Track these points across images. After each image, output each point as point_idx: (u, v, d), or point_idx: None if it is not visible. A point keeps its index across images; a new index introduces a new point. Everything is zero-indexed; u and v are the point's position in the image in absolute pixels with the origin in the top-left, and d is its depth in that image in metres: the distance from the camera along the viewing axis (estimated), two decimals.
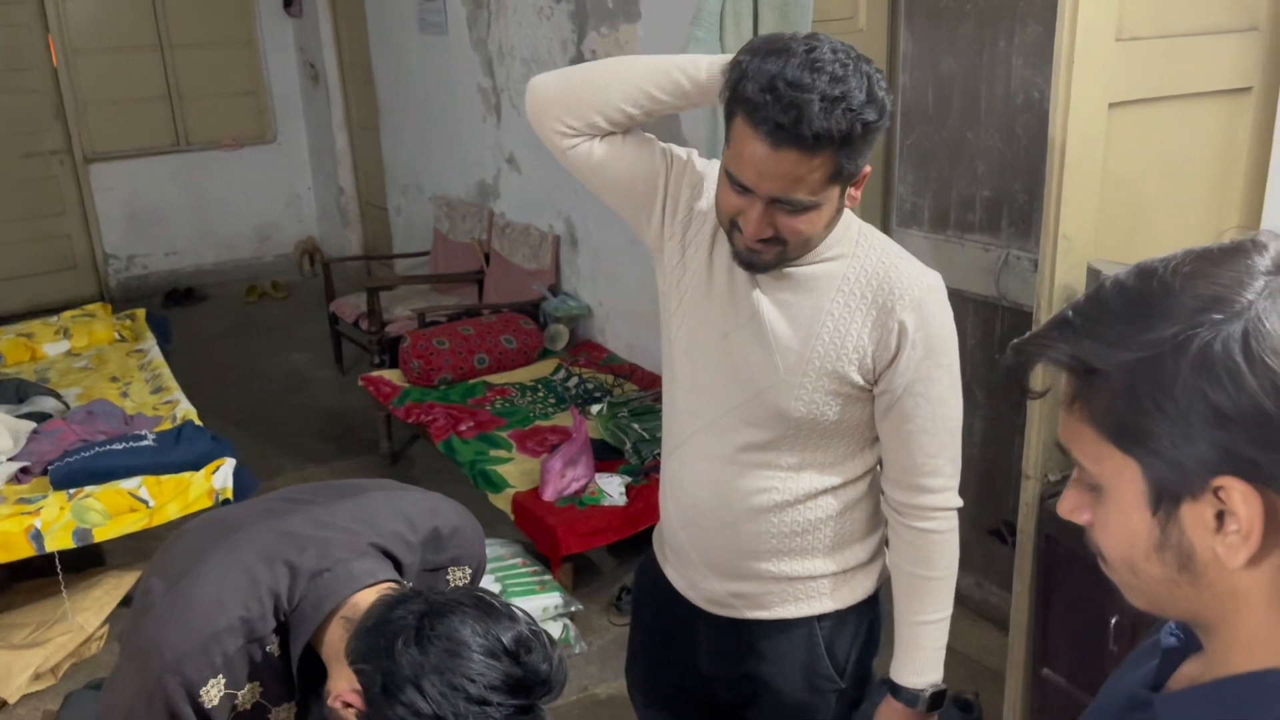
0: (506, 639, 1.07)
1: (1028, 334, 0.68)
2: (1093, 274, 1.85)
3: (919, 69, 2.92)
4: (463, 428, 3.58)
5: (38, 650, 2.84)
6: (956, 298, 2.88)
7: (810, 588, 1.50)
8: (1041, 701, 2.09)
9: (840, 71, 1.19)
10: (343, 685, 1.11)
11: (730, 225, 1.33)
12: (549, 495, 3.11)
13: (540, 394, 3.91)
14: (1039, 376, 0.69)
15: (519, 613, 1.12)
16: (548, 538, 3.04)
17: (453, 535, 1.38)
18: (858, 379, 1.38)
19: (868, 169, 1.30)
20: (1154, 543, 0.65)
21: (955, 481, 1.44)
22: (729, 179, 1.28)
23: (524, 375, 4.08)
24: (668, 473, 1.57)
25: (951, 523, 1.45)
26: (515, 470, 3.31)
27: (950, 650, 2.74)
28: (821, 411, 1.39)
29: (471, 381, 4.00)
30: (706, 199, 1.45)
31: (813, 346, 1.37)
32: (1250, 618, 0.65)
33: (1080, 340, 0.64)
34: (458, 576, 1.40)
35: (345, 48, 6.29)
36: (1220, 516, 0.62)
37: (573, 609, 2.95)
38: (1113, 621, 1.82)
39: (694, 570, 1.55)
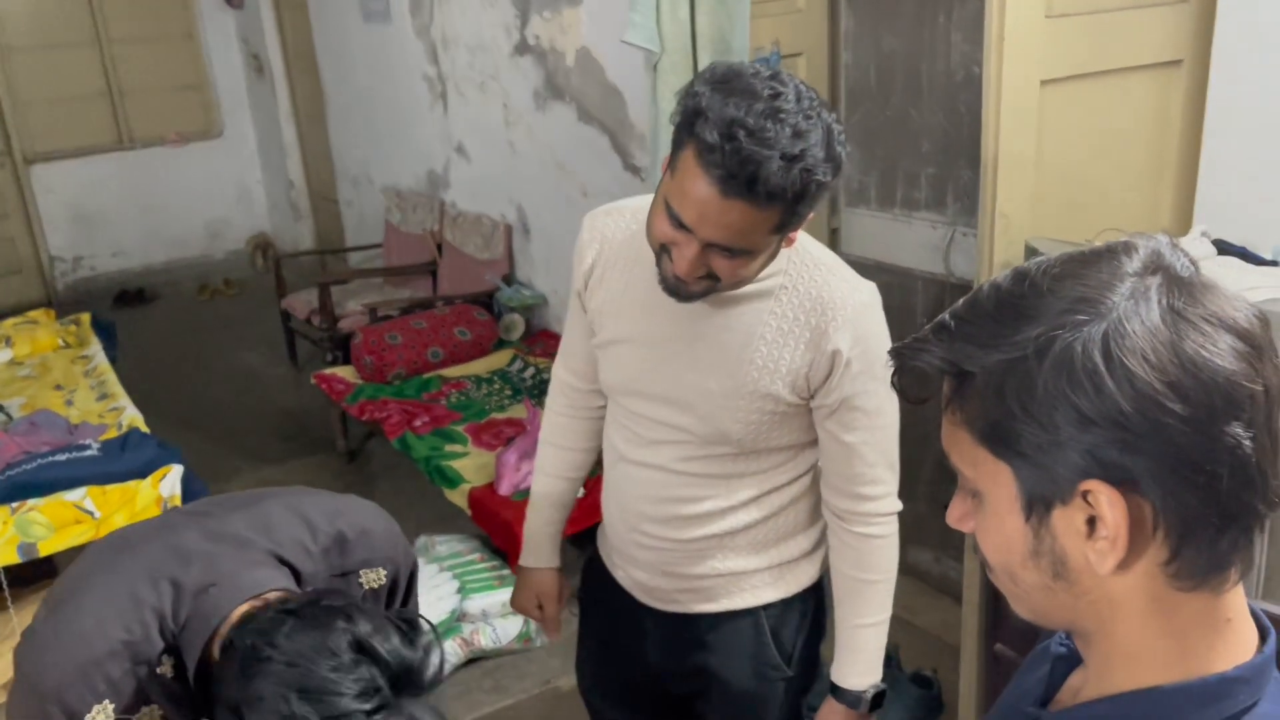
0: (344, 642, 1.01)
1: (907, 338, 0.66)
2: (1030, 251, 1.85)
3: (860, 46, 2.91)
4: (417, 423, 3.54)
5: None
6: (905, 275, 2.91)
7: (755, 579, 1.52)
8: (995, 677, 2.11)
9: (803, 125, 1.15)
10: None
11: (660, 250, 1.28)
12: (505, 489, 3.09)
13: (496, 386, 3.88)
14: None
15: (358, 611, 1.06)
16: (505, 532, 3.01)
17: (360, 538, 1.33)
18: (792, 398, 1.38)
19: (811, 215, 1.26)
20: (1029, 549, 0.64)
21: (894, 487, 1.45)
22: (667, 210, 1.23)
23: (479, 367, 4.04)
24: (610, 482, 1.57)
25: (891, 527, 1.46)
26: (471, 465, 3.28)
27: (910, 626, 2.75)
28: (759, 430, 1.40)
29: (426, 375, 3.96)
30: (588, 258, 1.48)
31: (745, 371, 1.37)
32: (1128, 625, 0.64)
33: (954, 343, 0.63)
34: (371, 579, 1.35)
35: (289, 38, 6.18)
36: (1091, 522, 0.61)
37: None
38: None
39: (638, 569, 1.56)
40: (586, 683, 1.76)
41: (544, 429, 1.68)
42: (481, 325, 4.21)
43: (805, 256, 1.38)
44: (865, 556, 1.46)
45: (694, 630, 1.54)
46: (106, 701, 1.13)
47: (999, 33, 1.74)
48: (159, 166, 6.59)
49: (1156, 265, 0.60)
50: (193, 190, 6.71)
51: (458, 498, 3.19)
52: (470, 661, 2.87)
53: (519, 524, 2.98)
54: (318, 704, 0.97)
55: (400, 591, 1.40)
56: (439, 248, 4.86)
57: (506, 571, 3.01)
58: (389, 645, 1.01)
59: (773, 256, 1.29)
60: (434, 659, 1.04)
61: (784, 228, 1.22)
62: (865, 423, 1.38)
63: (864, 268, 3.01)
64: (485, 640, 2.86)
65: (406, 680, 1.02)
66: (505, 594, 2.90)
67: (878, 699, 1.51)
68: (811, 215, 1.26)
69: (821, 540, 1.56)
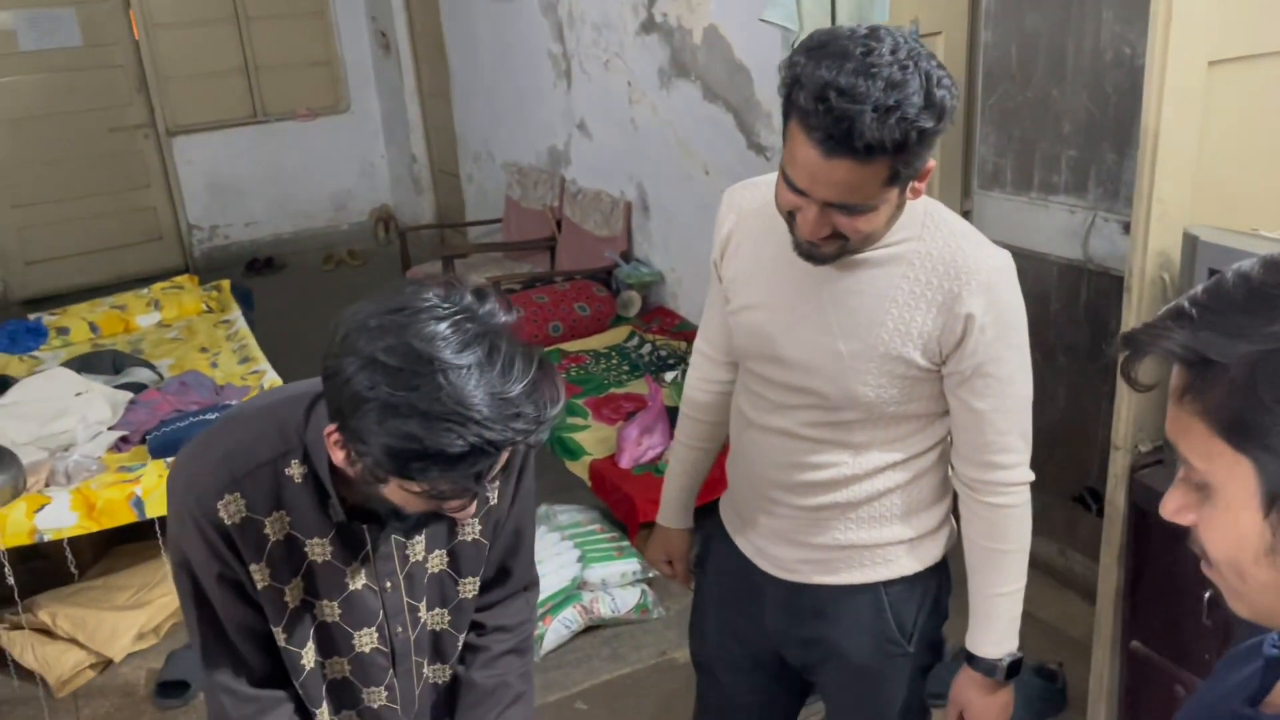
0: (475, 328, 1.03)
1: (1141, 324, 0.66)
2: (1189, 240, 1.79)
3: (1002, 25, 2.84)
4: None
5: (140, 611, 2.97)
6: (1040, 261, 2.85)
7: (877, 554, 1.52)
8: (1131, 674, 2.06)
9: (898, 76, 1.15)
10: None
11: (788, 217, 1.32)
12: (626, 463, 3.14)
13: (614, 361, 3.93)
14: (1148, 368, 0.67)
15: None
16: (625, 505, 3.06)
17: None
18: (924, 362, 1.38)
19: (931, 164, 1.27)
20: (1265, 546, 0.63)
21: (1027, 457, 1.44)
22: (784, 178, 1.27)
23: (597, 342, 4.10)
24: (738, 449, 1.60)
25: (1024, 497, 1.45)
26: (592, 437, 3.34)
27: (1032, 618, 2.72)
28: (890, 394, 1.40)
29: (546, 349, 4.03)
30: (725, 228, 1.52)
31: (877, 334, 1.37)
32: None
33: (1198, 331, 0.62)
34: None
35: (416, 16, 6.32)
36: None
37: (650, 575, 2.99)
38: (1206, 596, 1.78)
39: (761, 538, 1.58)
40: (700, 645, 1.79)
41: (683, 399, 1.73)
42: (600, 301, 4.26)
43: (939, 222, 1.38)
44: (997, 526, 1.46)
45: (813, 600, 1.56)
46: (237, 494, 1.17)
47: (1166, 9, 1.68)
48: (289, 140, 6.83)
49: None
50: (320, 163, 6.94)
51: (579, 469, 3.25)
52: (589, 629, 2.94)
53: (639, 497, 3.04)
54: (410, 345, 0.99)
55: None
56: (558, 224, 4.92)
57: (626, 543, 3.07)
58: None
59: (899, 209, 1.30)
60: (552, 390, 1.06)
61: (897, 178, 1.23)
62: (998, 390, 1.38)
63: None
64: (604, 609, 2.92)
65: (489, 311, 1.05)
66: (625, 565, 2.96)
67: (1014, 668, 1.51)
68: (933, 164, 1.27)
69: (946, 519, 1.55)
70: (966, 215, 3.03)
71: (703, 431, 1.71)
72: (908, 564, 1.53)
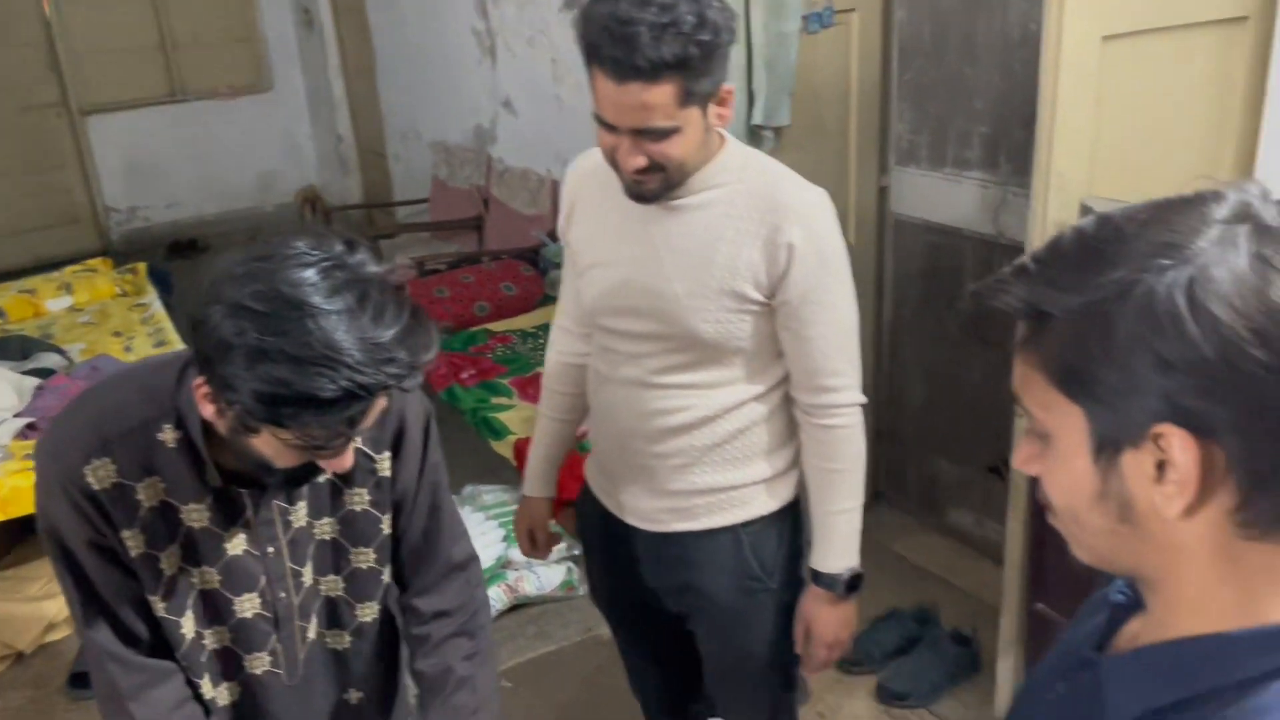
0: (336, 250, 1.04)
1: (986, 279, 0.67)
2: (1085, 211, 1.84)
3: (915, 3, 2.87)
4: (464, 375, 3.59)
5: (51, 601, 2.90)
6: (954, 235, 2.89)
7: (734, 496, 1.61)
8: (1035, 635, 2.12)
9: (669, 1, 1.28)
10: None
11: (612, 162, 1.42)
12: None
13: (541, 340, 3.91)
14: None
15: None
16: None
17: None
18: (755, 295, 1.47)
19: (729, 87, 1.38)
20: (1096, 491, 0.65)
21: (855, 380, 1.55)
22: (597, 120, 1.39)
23: (524, 322, 4.07)
24: (597, 408, 1.68)
25: (854, 418, 1.56)
26: (517, 417, 3.33)
27: (949, 586, 2.77)
28: (730, 330, 1.49)
29: (472, 329, 4.00)
30: (568, 200, 1.62)
31: (709, 271, 1.46)
32: (1191, 571, 0.64)
33: (1034, 285, 0.64)
34: None
35: None
36: (1161, 466, 0.61)
37: (575, 552, 2.99)
38: None
39: (624, 493, 1.66)
40: (600, 606, 1.90)
41: (544, 374, 1.81)
42: (527, 280, 4.23)
43: (759, 166, 1.50)
44: (830, 446, 1.55)
45: (678, 549, 1.64)
46: (106, 459, 1.15)
47: None
48: (211, 119, 6.67)
49: (1245, 214, 0.60)
50: (243, 143, 6.80)
51: (504, 449, 3.24)
52: (514, 608, 2.94)
53: (563, 474, 3.03)
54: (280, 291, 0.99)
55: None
56: (485, 203, 4.88)
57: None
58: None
59: (706, 133, 1.40)
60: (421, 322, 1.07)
61: (692, 96, 1.33)
62: (823, 317, 1.48)
63: (912, 227, 3.03)
64: (529, 587, 2.92)
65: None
66: None
67: (854, 582, 1.60)
68: (730, 88, 1.39)
69: (796, 460, 1.64)
70: (884, 191, 3.07)
71: (563, 404, 1.79)
72: (764, 504, 1.62)
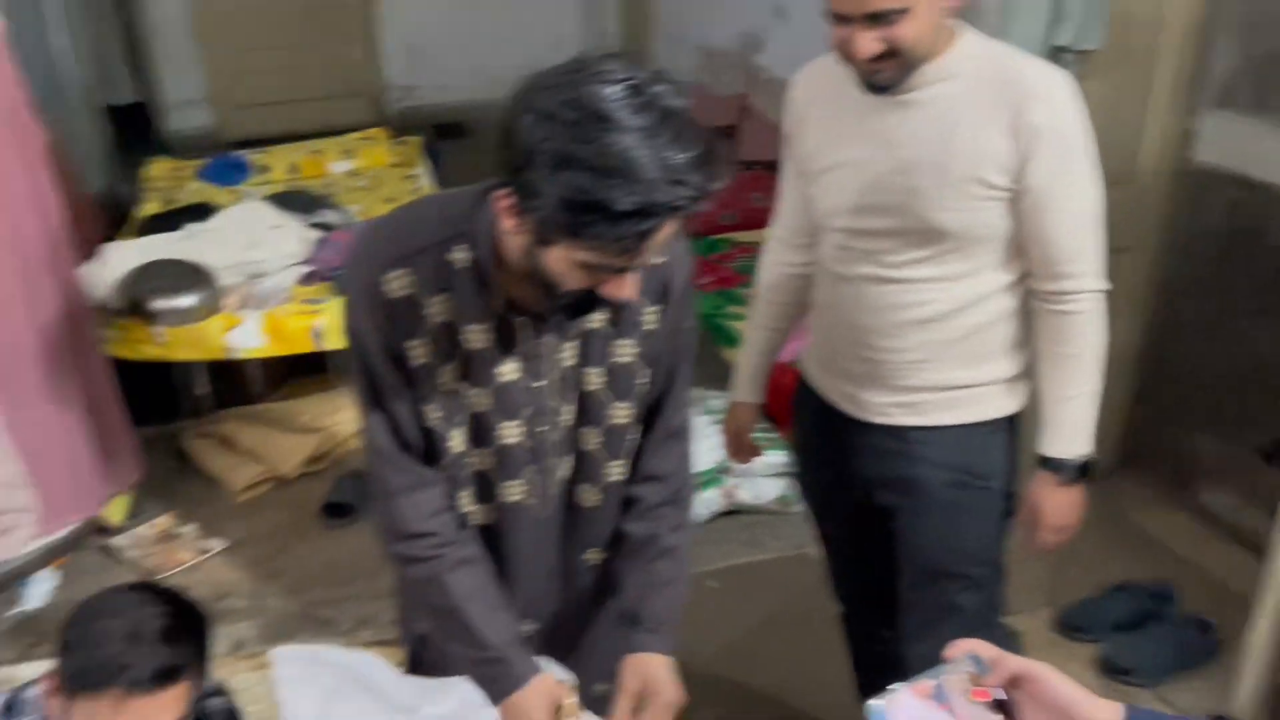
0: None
1: None
2: None
3: None
4: (703, 280, 3.61)
5: (314, 436, 3.20)
6: (1267, 193, 2.59)
7: (969, 395, 1.60)
8: None
9: None
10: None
11: (846, 56, 1.44)
12: (784, 355, 3.10)
13: None
14: None
15: None
16: (777, 396, 3.04)
17: None
18: (999, 180, 1.46)
19: None
20: None
21: (1096, 266, 1.52)
22: (830, 17, 1.43)
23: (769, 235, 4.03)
24: (827, 304, 1.68)
25: (1094, 304, 1.53)
26: None
27: (1189, 565, 2.61)
28: (974, 219, 1.49)
29: (715, 237, 4.01)
30: (794, 108, 1.67)
31: (951, 159, 1.46)
32: None
33: None
34: None
35: None
36: None
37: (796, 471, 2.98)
38: None
39: (852, 385, 1.66)
40: (804, 496, 1.96)
41: (757, 284, 1.83)
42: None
43: (993, 50, 1.49)
44: (1065, 330, 1.53)
45: (900, 442, 1.65)
46: (403, 272, 1.24)
47: None
48: (491, 5, 6.88)
49: None
50: (515, 33, 6.96)
51: (735, 356, 3.24)
52: (728, 513, 2.97)
53: (791, 388, 3.01)
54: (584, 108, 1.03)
55: None
56: (743, 111, 4.81)
57: (775, 434, 3.06)
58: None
59: (937, 15, 1.41)
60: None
61: None
62: (1066, 204, 1.46)
63: (1217, 178, 2.74)
64: (745, 495, 2.95)
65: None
66: (771, 456, 2.95)
67: (1084, 469, 1.59)
68: None
69: (1027, 370, 1.62)
70: (1187, 134, 2.78)
71: (775, 312, 1.84)
72: (999, 406, 1.62)
